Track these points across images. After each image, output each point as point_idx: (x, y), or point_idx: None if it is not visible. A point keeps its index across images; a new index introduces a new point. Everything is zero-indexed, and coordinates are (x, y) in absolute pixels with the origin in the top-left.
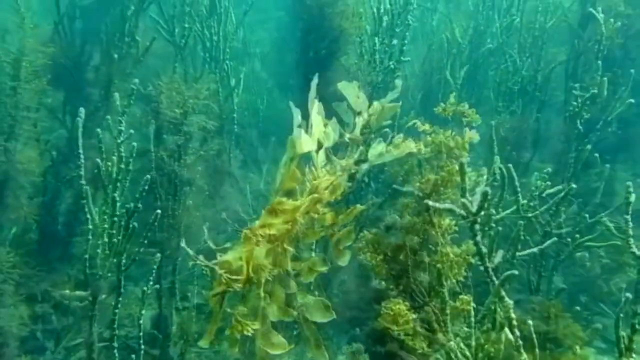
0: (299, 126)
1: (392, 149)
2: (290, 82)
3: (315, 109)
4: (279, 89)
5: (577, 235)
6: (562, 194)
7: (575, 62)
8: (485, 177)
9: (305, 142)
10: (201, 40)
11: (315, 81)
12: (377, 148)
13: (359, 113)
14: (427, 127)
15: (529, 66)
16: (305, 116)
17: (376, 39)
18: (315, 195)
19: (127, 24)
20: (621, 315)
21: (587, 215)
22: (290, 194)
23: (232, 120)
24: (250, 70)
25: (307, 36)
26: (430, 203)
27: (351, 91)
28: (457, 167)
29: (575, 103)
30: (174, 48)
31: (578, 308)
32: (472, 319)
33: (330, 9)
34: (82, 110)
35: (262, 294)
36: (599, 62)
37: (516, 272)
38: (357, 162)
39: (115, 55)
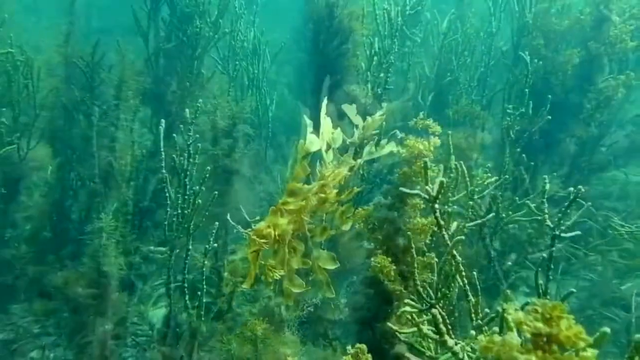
0: (307, 126)
1: (401, 150)
2: (309, 103)
3: (324, 109)
4: (300, 103)
5: (591, 239)
6: (572, 196)
7: (590, 64)
8: (493, 179)
9: (312, 143)
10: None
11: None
12: (387, 147)
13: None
14: (438, 128)
15: (541, 68)
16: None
17: (368, 72)
18: (322, 195)
19: (195, 62)
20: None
21: (599, 219)
22: (296, 194)
23: (267, 129)
24: (280, 93)
25: (320, 70)
26: (436, 206)
27: (351, 111)
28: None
29: (588, 106)
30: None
31: (591, 312)
32: (480, 322)
33: (337, 51)
34: (162, 121)
35: (287, 250)
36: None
37: (524, 274)
38: (366, 161)
39: (188, 83)
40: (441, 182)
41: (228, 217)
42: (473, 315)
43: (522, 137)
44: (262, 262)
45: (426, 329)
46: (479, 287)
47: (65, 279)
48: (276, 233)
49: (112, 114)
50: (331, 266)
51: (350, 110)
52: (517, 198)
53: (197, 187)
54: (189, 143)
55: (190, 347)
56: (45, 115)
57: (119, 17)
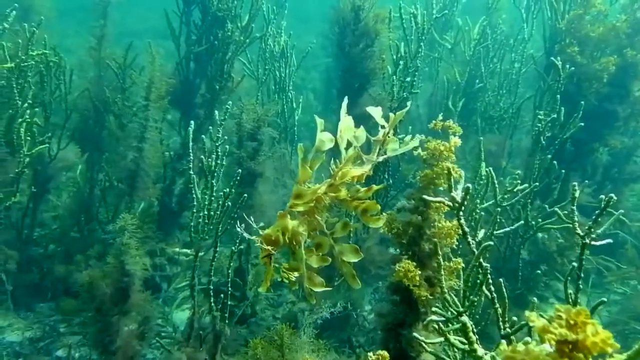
0: (320, 125)
1: (421, 152)
2: (334, 107)
3: (344, 108)
4: (325, 112)
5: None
6: (604, 204)
7: (625, 72)
8: (523, 186)
9: (323, 142)
10: (273, 76)
11: (345, 101)
12: (411, 143)
13: (382, 126)
14: (458, 129)
15: (575, 75)
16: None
17: (394, 76)
18: (332, 194)
19: (225, 65)
20: None
21: (633, 230)
22: (302, 196)
23: (293, 132)
24: (306, 98)
25: (346, 74)
26: (461, 214)
27: (376, 113)
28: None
29: (623, 115)
30: (257, 82)
31: (623, 327)
32: (509, 330)
33: (362, 54)
34: (192, 122)
35: (303, 252)
36: None
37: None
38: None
39: (217, 87)
40: (467, 189)
41: (237, 226)
42: (501, 323)
43: (553, 144)
44: (277, 265)
45: (453, 338)
46: (506, 295)
47: (90, 277)
48: (287, 236)
49: (141, 114)
50: (355, 258)
51: (375, 112)
52: (546, 206)
53: (227, 189)
54: (217, 144)
55: (214, 350)
56: (76, 116)
57: (149, 21)
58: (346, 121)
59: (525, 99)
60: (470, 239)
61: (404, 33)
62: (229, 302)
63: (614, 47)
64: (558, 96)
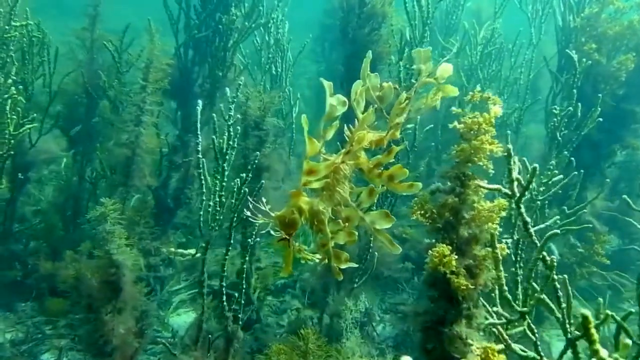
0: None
1: (457, 125)
2: (337, 87)
3: (367, 62)
4: (317, 118)
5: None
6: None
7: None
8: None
9: (335, 107)
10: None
11: (369, 56)
12: (437, 95)
13: (421, 73)
14: (499, 100)
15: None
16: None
17: (400, 62)
18: (351, 162)
19: (227, 53)
20: None
21: None
22: (315, 171)
23: (291, 131)
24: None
25: (350, 59)
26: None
27: (423, 55)
28: None
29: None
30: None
31: None
32: (577, 333)
33: (368, 37)
34: (199, 101)
35: (328, 229)
36: None
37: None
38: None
39: (220, 74)
40: (534, 169)
41: (245, 211)
42: (567, 325)
43: (570, 142)
44: (298, 247)
45: (516, 347)
46: (571, 292)
47: (76, 271)
48: (304, 216)
49: (138, 97)
50: (388, 224)
51: (422, 55)
52: (565, 208)
53: (244, 174)
54: (229, 123)
55: (225, 355)
56: (62, 102)
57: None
58: (370, 80)
59: (530, 104)
60: (530, 228)
61: (408, 17)
62: (234, 307)
63: (631, 46)
64: (574, 90)
